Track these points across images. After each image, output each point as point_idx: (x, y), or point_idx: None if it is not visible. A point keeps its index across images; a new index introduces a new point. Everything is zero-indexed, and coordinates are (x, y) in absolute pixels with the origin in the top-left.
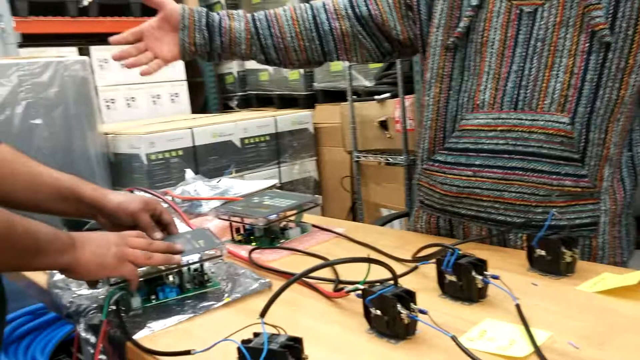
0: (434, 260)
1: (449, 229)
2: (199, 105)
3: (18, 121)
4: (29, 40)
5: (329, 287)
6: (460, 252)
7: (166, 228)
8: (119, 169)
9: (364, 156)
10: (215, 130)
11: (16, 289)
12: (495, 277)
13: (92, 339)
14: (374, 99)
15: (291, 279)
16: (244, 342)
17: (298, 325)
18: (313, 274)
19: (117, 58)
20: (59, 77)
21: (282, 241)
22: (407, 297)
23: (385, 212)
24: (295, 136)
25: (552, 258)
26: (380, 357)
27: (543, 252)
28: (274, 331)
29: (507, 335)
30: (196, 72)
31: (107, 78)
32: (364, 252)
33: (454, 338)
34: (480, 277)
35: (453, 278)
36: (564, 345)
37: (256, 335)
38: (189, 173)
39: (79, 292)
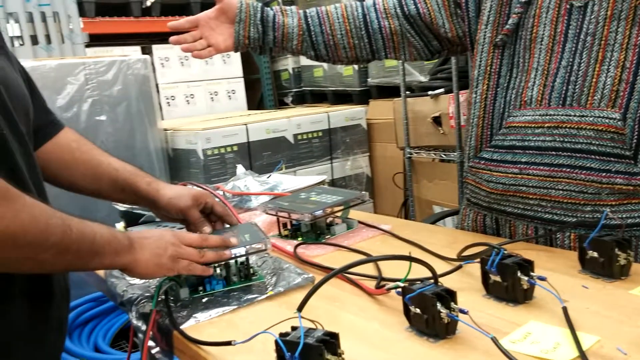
0: (478, 259)
1: (496, 228)
2: (255, 101)
3: (84, 117)
4: (96, 40)
5: (371, 284)
6: (506, 251)
7: (220, 220)
8: (177, 164)
9: (416, 152)
10: (269, 126)
11: (78, 277)
12: (542, 279)
13: (143, 327)
14: (427, 95)
15: (329, 274)
16: (281, 335)
17: (338, 321)
18: (356, 270)
19: (174, 42)
20: (122, 75)
21: (327, 237)
22: (447, 297)
23: (437, 210)
24: (348, 132)
25: (605, 260)
26: (418, 355)
27: (595, 254)
28: (312, 326)
29: (552, 338)
30: (253, 69)
31: (167, 76)
32: (408, 249)
33: (494, 339)
34: (526, 278)
35: (497, 278)
36: (612, 350)
37: (294, 328)
38: (240, 169)
39: (132, 282)
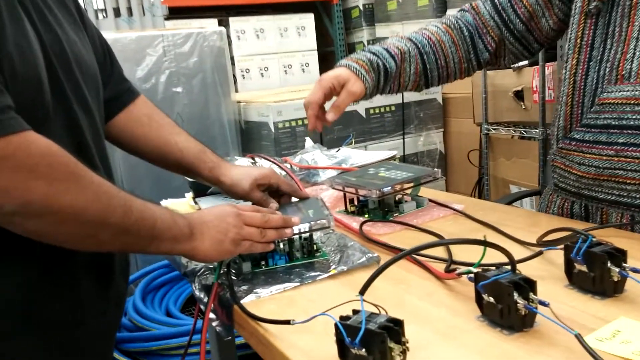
0: (561, 246)
1: (584, 217)
2: None
3: (162, 89)
4: (175, 12)
5: (439, 267)
6: (594, 239)
7: (286, 195)
8: (250, 136)
9: (494, 128)
10: None
11: None
12: (636, 271)
13: (205, 299)
14: (510, 67)
15: (395, 256)
16: (342, 318)
17: (403, 305)
18: (424, 252)
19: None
20: (198, 47)
21: (395, 215)
22: (526, 286)
23: (514, 190)
24: (422, 106)
25: None
26: (489, 347)
27: None
28: (375, 310)
29: None
30: (327, 42)
31: (243, 48)
32: (482, 231)
33: (578, 336)
34: (617, 269)
35: (583, 268)
36: None
37: (355, 312)
38: (309, 142)
39: None
